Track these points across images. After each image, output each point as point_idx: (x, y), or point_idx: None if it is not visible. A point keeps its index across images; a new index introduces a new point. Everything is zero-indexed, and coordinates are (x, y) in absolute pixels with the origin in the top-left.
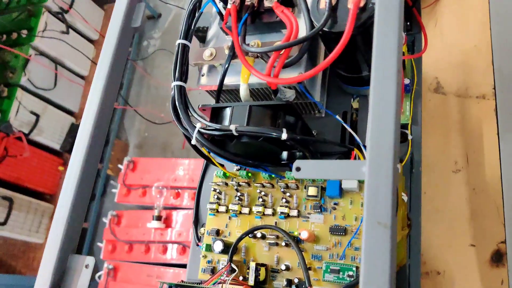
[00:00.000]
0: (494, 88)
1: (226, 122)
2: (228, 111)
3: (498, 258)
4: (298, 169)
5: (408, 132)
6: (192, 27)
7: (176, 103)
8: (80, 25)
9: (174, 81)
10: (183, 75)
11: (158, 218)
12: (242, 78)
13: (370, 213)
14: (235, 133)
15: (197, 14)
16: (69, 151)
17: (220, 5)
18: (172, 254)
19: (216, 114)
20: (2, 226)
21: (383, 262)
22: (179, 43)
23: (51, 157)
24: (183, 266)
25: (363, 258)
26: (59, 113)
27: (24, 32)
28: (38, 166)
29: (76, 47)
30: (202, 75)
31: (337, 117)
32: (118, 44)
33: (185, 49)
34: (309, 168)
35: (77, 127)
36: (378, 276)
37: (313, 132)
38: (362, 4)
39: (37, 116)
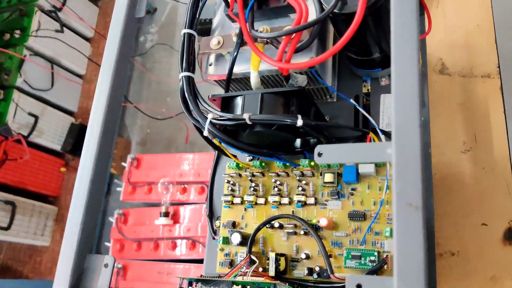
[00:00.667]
0: (499, 67)
1: (238, 111)
2: (239, 100)
3: (510, 236)
4: (320, 154)
5: None
6: (197, 16)
7: (186, 94)
8: (74, 23)
9: (182, 71)
10: (191, 66)
11: (166, 214)
12: (252, 66)
13: (400, 195)
14: (248, 122)
15: (201, 3)
16: (70, 151)
17: None
18: (181, 250)
19: (226, 104)
20: (6, 231)
21: (417, 245)
22: (184, 33)
23: (52, 158)
24: (193, 261)
25: (396, 242)
26: (58, 114)
27: (17, 33)
28: (40, 168)
29: (72, 46)
30: (210, 65)
31: (351, 100)
32: (123, 37)
33: (191, 39)
34: (331, 153)
35: (77, 126)
36: (413, 260)
37: (326, 117)
38: None
39: (36, 117)
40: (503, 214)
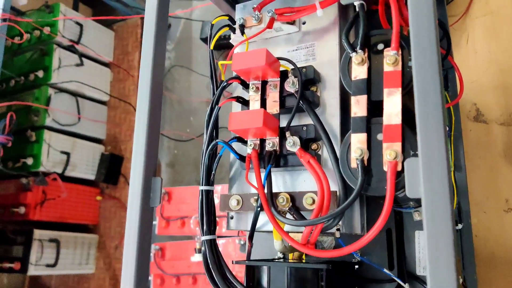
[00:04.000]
0: None
1: (264, 282)
2: (265, 269)
3: None
4: None
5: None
6: (213, 171)
7: (209, 261)
8: (92, 52)
9: (203, 235)
10: (212, 225)
11: (200, 251)
12: (275, 236)
13: None
14: None
15: (216, 158)
16: (104, 181)
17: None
18: None
19: (251, 270)
20: (54, 267)
21: None
22: (202, 190)
23: (88, 189)
24: None
25: None
26: (88, 144)
27: (40, 73)
28: (77, 201)
29: (93, 76)
30: (231, 218)
31: (385, 270)
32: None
33: (209, 196)
34: None
35: (107, 156)
36: None
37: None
38: (399, 168)
39: (68, 154)
40: None
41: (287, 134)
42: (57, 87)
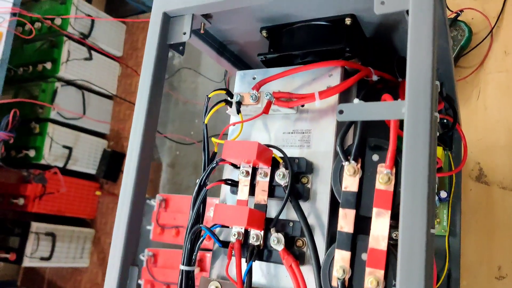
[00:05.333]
0: None
1: None
2: None
3: None
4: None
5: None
6: (195, 252)
7: None
8: (102, 44)
9: None
10: None
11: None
12: None
13: None
14: None
15: (199, 242)
16: (105, 177)
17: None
18: None
19: None
20: (48, 260)
21: None
22: (182, 270)
23: (87, 183)
24: None
25: None
26: (91, 139)
27: (49, 64)
28: (76, 195)
29: (101, 70)
30: None
31: None
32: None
33: (189, 276)
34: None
35: (109, 153)
36: None
37: None
38: None
39: (70, 148)
40: None
41: (272, 230)
42: (64, 80)
